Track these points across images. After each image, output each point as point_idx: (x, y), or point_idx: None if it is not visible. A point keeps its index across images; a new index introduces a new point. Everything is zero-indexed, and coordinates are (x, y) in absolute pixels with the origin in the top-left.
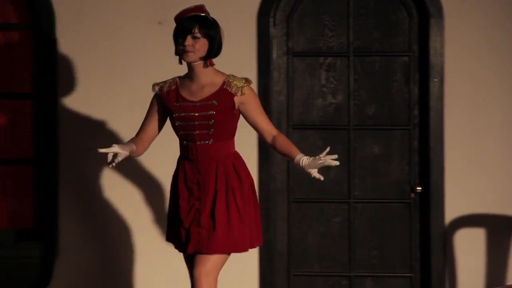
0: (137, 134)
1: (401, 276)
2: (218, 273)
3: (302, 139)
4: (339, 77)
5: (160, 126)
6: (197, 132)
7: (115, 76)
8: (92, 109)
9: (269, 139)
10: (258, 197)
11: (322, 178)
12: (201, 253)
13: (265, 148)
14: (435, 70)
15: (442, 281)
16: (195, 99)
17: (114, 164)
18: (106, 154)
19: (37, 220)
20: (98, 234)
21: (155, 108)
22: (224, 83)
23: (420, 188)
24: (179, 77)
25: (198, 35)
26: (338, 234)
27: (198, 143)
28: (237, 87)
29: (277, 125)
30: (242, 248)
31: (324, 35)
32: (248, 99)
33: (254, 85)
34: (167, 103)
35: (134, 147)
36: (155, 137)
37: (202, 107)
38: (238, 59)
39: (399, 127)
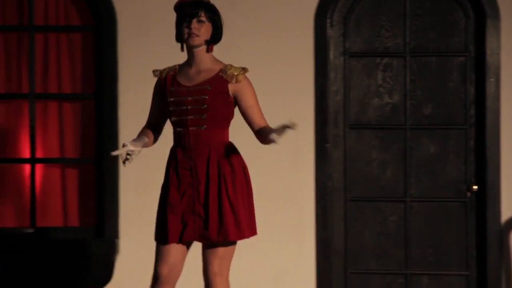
0: (147, 123)
1: (457, 274)
2: (230, 266)
3: (359, 139)
4: (396, 77)
5: (166, 110)
6: (190, 117)
7: None
8: None
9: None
10: (313, 196)
11: (275, 141)
12: (207, 244)
13: (322, 147)
14: (491, 70)
15: (498, 279)
16: (189, 84)
17: (128, 162)
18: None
19: (99, 218)
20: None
21: (156, 94)
22: (220, 70)
23: (476, 187)
24: (180, 64)
25: (204, 19)
26: (395, 232)
27: (191, 128)
28: (232, 74)
29: (334, 125)
30: (233, 237)
31: (381, 36)
32: (241, 88)
33: (311, 86)
34: (163, 89)
35: (146, 139)
36: (165, 122)
37: (195, 91)
38: (295, 59)
39: (455, 127)
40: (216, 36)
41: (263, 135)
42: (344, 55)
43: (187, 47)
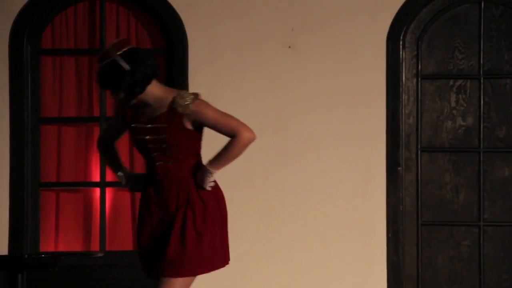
0: (101, 137)
1: None
2: None
3: (431, 162)
4: (470, 99)
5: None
6: (154, 154)
7: (245, 100)
8: (224, 138)
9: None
10: (384, 220)
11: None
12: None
13: (394, 170)
14: None
15: None
16: (146, 121)
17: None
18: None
19: None
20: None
21: (118, 119)
22: (172, 101)
23: None
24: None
25: (113, 95)
26: (468, 257)
27: (158, 163)
28: (184, 105)
29: (406, 148)
30: (196, 271)
31: (454, 58)
32: (198, 114)
33: (383, 108)
34: (126, 122)
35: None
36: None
37: (153, 130)
38: (368, 81)
39: None
40: (131, 88)
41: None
42: (417, 77)
43: None
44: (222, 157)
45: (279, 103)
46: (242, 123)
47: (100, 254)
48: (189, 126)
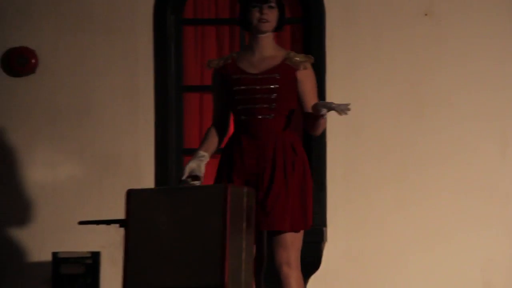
0: (213, 121)
1: None
2: (299, 256)
3: None
4: None
5: (231, 100)
6: (258, 105)
7: (380, 67)
8: (361, 100)
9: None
10: None
11: (324, 114)
12: (272, 233)
13: None
14: None
15: None
16: (256, 72)
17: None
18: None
19: None
20: (365, 221)
21: (219, 86)
22: (285, 58)
23: None
24: (235, 53)
25: (274, 5)
26: None
27: (259, 117)
28: (299, 61)
29: None
30: (300, 226)
31: None
32: (306, 75)
33: None
34: (225, 77)
35: (209, 152)
36: (230, 114)
37: (264, 80)
38: (507, 53)
39: None
40: (281, 23)
41: (311, 112)
42: None
43: (254, 33)
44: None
45: (415, 70)
46: None
47: None
48: (296, 82)
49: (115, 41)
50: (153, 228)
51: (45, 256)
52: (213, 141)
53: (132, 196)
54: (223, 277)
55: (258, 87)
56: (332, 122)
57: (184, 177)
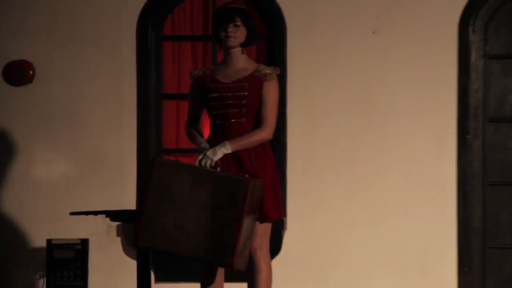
0: (188, 120)
1: None
2: (268, 242)
3: (497, 131)
4: None
5: (204, 106)
6: (230, 110)
7: (336, 78)
8: (317, 108)
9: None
10: (455, 181)
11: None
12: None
13: (463, 138)
14: None
15: None
16: (228, 81)
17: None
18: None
19: None
20: (320, 211)
21: (195, 92)
22: (255, 70)
23: None
24: (213, 65)
25: (239, 23)
26: None
27: (232, 120)
28: (266, 73)
29: (474, 119)
30: (273, 217)
31: None
32: (269, 85)
33: (455, 84)
34: (203, 86)
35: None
36: (202, 116)
37: (234, 88)
38: (441, 61)
39: None
40: (250, 39)
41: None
42: (484, 57)
43: (224, 48)
44: (243, 140)
45: (364, 77)
46: (274, 123)
47: None
48: (261, 92)
49: (103, 54)
50: (172, 198)
51: (40, 243)
52: (198, 132)
53: (157, 163)
54: (233, 258)
55: (230, 94)
56: (292, 123)
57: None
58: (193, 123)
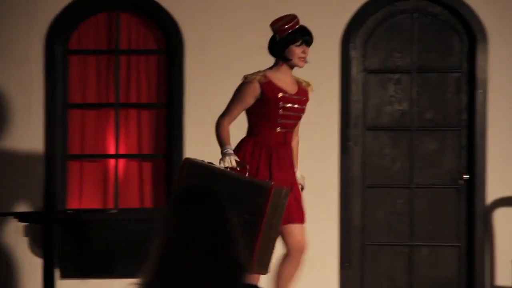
0: (228, 121)
1: (451, 245)
2: None
3: (375, 138)
4: (404, 89)
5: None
6: (293, 121)
7: (230, 87)
8: (213, 117)
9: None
10: (337, 183)
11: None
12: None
13: (345, 145)
14: (480, 84)
15: (483, 249)
16: (292, 93)
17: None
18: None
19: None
20: None
21: (250, 96)
22: (296, 80)
23: (467, 176)
24: (267, 73)
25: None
26: (402, 212)
27: (285, 130)
28: (308, 86)
29: (355, 127)
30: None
31: (393, 57)
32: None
33: (337, 96)
34: (270, 93)
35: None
36: None
37: (299, 100)
38: (324, 75)
39: (451, 128)
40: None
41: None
42: (363, 72)
43: (287, 63)
44: (296, 156)
45: None
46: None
47: (114, 211)
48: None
49: (12, 67)
50: None
51: None
52: (228, 135)
53: (187, 164)
54: (250, 261)
55: (296, 106)
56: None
57: (231, 165)
58: (229, 123)
